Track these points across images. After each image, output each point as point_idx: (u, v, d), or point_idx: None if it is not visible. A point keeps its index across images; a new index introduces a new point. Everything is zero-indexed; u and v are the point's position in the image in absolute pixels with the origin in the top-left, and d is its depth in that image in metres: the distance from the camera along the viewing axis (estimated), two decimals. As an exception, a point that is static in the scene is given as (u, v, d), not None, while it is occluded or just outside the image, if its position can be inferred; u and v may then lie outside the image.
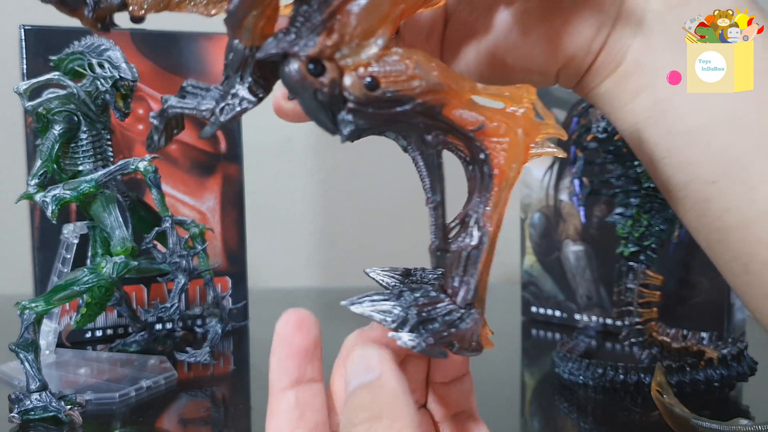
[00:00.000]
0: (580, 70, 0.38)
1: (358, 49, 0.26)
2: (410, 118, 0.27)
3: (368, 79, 0.26)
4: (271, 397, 0.29)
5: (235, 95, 0.28)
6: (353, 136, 0.27)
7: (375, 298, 0.28)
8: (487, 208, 0.28)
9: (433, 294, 0.28)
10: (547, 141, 0.29)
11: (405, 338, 0.27)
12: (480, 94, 0.28)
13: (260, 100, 0.29)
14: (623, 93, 0.38)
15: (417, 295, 0.28)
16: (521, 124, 0.28)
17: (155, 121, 0.31)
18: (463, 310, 0.27)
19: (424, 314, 0.27)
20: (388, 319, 0.27)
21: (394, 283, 0.29)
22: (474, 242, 0.28)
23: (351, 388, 0.27)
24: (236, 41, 0.28)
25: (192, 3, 0.30)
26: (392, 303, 0.27)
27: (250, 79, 0.28)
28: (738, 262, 0.38)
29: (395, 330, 0.27)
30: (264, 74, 0.28)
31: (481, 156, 0.28)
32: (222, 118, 0.28)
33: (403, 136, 0.29)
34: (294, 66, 0.25)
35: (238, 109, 0.28)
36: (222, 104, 0.28)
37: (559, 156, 0.29)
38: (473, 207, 0.28)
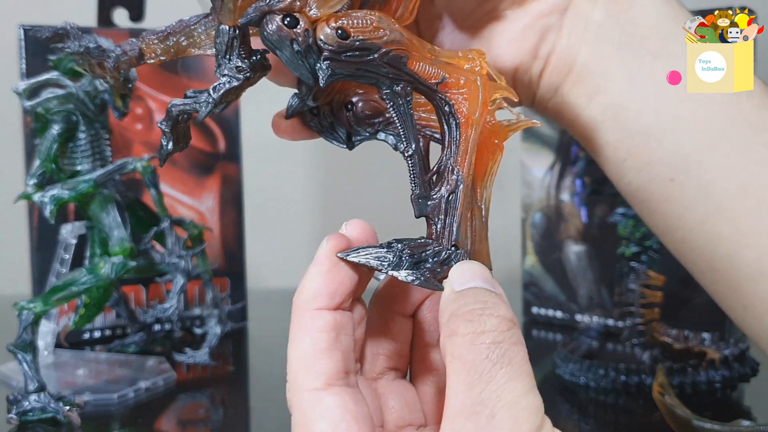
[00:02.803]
0: (533, 77, 0.39)
1: (324, 4, 0.29)
2: (379, 68, 0.30)
3: (339, 30, 0.29)
4: (300, 318, 0.30)
5: (224, 75, 0.31)
6: (329, 82, 0.30)
7: (369, 249, 0.30)
8: (458, 155, 0.31)
9: (420, 240, 0.30)
10: (520, 114, 0.33)
11: (403, 274, 0.29)
12: (437, 56, 0.32)
13: (247, 79, 0.31)
14: (579, 98, 0.39)
15: (406, 242, 0.30)
16: (478, 76, 0.32)
17: (163, 126, 0.33)
18: (450, 251, 0.30)
19: (416, 256, 0.30)
20: (384, 263, 0.29)
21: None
22: (451, 187, 0.31)
23: (466, 285, 0.28)
24: (222, 26, 0.30)
25: (197, 48, 0.33)
26: (384, 251, 0.30)
27: (237, 60, 0.31)
28: (702, 259, 0.39)
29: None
30: (249, 54, 0.31)
31: (446, 108, 0.31)
32: (215, 96, 0.31)
33: (377, 86, 0.31)
34: (272, 21, 0.29)
35: (227, 86, 0.31)
36: (214, 85, 0.31)
37: (535, 125, 0.34)
38: (446, 156, 0.31)
